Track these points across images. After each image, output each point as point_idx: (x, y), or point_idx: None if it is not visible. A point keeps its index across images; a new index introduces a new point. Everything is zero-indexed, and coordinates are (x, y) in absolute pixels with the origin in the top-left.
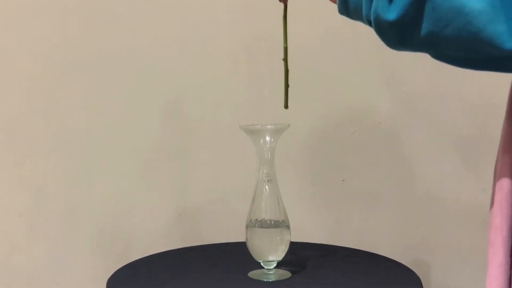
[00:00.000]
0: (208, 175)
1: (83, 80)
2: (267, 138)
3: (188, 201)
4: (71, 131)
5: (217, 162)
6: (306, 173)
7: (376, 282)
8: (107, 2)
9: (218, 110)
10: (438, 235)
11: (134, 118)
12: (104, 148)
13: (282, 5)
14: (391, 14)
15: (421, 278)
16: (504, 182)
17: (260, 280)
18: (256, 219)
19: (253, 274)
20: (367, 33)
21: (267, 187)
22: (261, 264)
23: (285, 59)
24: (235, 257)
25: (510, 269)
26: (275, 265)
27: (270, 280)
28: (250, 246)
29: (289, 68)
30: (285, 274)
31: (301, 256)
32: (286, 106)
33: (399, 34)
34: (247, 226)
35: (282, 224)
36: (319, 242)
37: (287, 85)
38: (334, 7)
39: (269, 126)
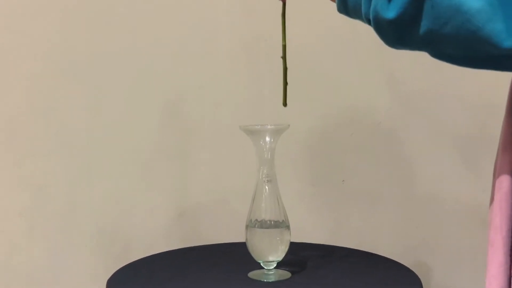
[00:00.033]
0: (208, 175)
1: (83, 80)
2: (267, 139)
3: (188, 201)
4: (71, 131)
5: (217, 162)
6: (306, 173)
7: (376, 282)
8: (107, 2)
9: (218, 110)
10: (438, 235)
11: (134, 118)
12: (104, 148)
13: (281, 3)
14: (390, 13)
15: (421, 278)
16: (503, 182)
17: (260, 281)
18: (256, 219)
19: (253, 274)
20: (367, 33)
21: (267, 187)
22: (261, 264)
23: (284, 57)
24: (235, 257)
25: (510, 269)
26: (275, 265)
27: (270, 281)
28: (250, 247)
29: (289, 67)
30: (285, 274)
31: (301, 257)
32: (284, 104)
33: (398, 33)
34: (247, 227)
35: (282, 225)
36: (319, 242)
37: (285, 83)
38: (333, 6)
39: (269, 127)
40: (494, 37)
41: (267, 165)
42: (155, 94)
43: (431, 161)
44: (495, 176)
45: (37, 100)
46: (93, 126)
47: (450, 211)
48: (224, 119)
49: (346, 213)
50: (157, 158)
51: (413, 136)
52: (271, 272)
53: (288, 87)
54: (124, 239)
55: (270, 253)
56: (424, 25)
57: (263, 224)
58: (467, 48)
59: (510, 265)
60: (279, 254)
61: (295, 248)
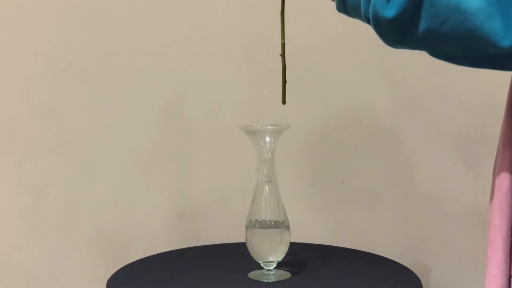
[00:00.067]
0: (208, 175)
1: (83, 80)
2: (267, 139)
3: (188, 201)
4: (71, 131)
5: (217, 162)
6: (306, 173)
7: (376, 283)
8: (107, 2)
9: (218, 110)
10: (438, 235)
11: (134, 118)
12: (104, 148)
13: (280, 2)
14: (389, 11)
15: (420, 279)
16: (503, 182)
17: (260, 281)
18: (256, 220)
19: (253, 274)
20: (367, 33)
21: (267, 187)
22: (261, 264)
23: (283, 55)
24: (235, 257)
25: (510, 269)
26: (275, 265)
27: (270, 281)
28: (250, 247)
29: (289, 67)
30: (285, 274)
31: (301, 257)
32: (283, 102)
33: (397, 32)
34: (247, 227)
35: (282, 225)
36: (319, 243)
37: (284, 81)
38: (333, 5)
39: (269, 127)
40: (492, 36)
41: (267, 165)
42: (155, 94)
43: (431, 161)
44: (495, 174)
45: (37, 100)
46: (93, 126)
47: (450, 211)
48: (224, 119)
49: (346, 213)
50: (157, 158)
51: (413, 136)
52: (271, 273)
53: (287, 86)
54: (124, 239)
55: (270, 254)
56: (423, 24)
57: (263, 225)
58: (466, 47)
59: (510, 265)
60: (279, 254)
61: (295, 249)
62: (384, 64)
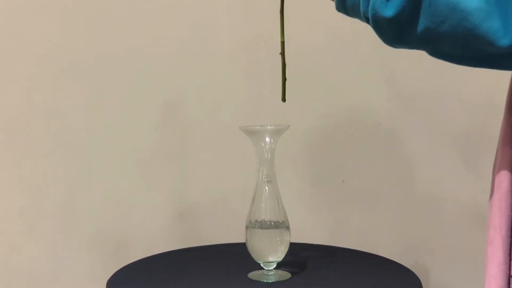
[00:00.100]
0: (208, 175)
1: (83, 80)
2: (267, 139)
3: (188, 201)
4: (71, 131)
5: (217, 163)
6: (306, 173)
7: (376, 283)
8: (107, 2)
9: (218, 110)
10: (438, 235)
11: (134, 118)
12: (104, 148)
13: (279, 0)
14: (388, 11)
15: (420, 279)
16: (503, 181)
17: (260, 281)
18: (256, 220)
19: (253, 275)
20: (367, 32)
21: (267, 187)
22: (261, 265)
23: (282, 53)
24: (235, 258)
25: (509, 269)
26: (275, 266)
27: (270, 281)
28: (250, 247)
29: (289, 66)
30: (285, 275)
31: (301, 257)
32: (283, 99)
33: (397, 31)
34: (247, 227)
35: (282, 225)
36: (319, 243)
37: (284, 79)
38: (332, 5)
39: (269, 127)
40: (490, 35)
41: (267, 166)
42: (155, 94)
43: (431, 161)
44: (494, 174)
45: (37, 100)
46: (93, 126)
47: (450, 211)
48: (224, 119)
49: (346, 213)
50: (157, 158)
51: (413, 136)
52: (271, 273)
53: (287, 84)
54: (124, 239)
55: (270, 254)
56: (422, 23)
57: (263, 225)
58: (464, 46)
59: (510, 265)
60: (279, 254)
61: (295, 249)
62: (384, 64)
